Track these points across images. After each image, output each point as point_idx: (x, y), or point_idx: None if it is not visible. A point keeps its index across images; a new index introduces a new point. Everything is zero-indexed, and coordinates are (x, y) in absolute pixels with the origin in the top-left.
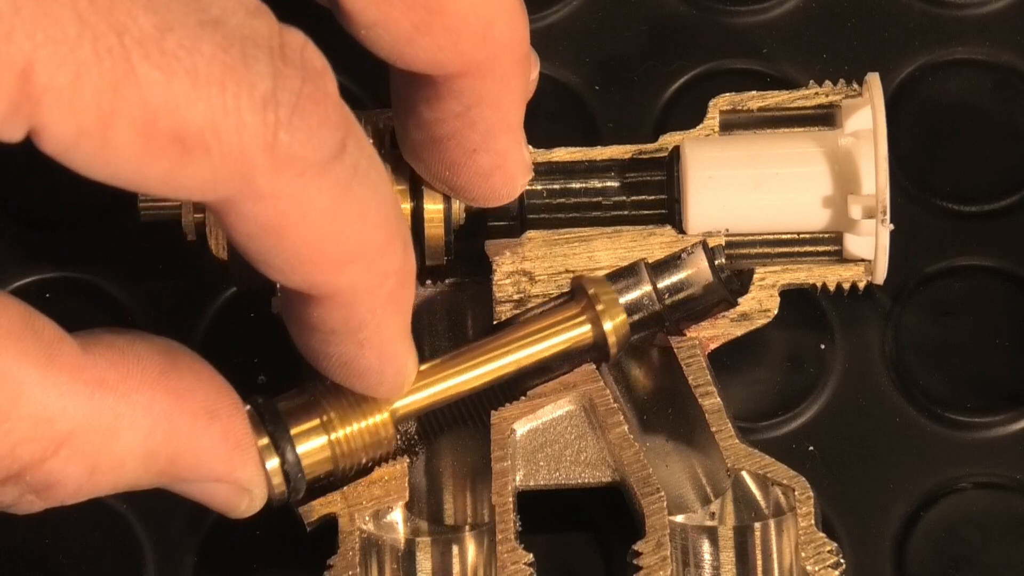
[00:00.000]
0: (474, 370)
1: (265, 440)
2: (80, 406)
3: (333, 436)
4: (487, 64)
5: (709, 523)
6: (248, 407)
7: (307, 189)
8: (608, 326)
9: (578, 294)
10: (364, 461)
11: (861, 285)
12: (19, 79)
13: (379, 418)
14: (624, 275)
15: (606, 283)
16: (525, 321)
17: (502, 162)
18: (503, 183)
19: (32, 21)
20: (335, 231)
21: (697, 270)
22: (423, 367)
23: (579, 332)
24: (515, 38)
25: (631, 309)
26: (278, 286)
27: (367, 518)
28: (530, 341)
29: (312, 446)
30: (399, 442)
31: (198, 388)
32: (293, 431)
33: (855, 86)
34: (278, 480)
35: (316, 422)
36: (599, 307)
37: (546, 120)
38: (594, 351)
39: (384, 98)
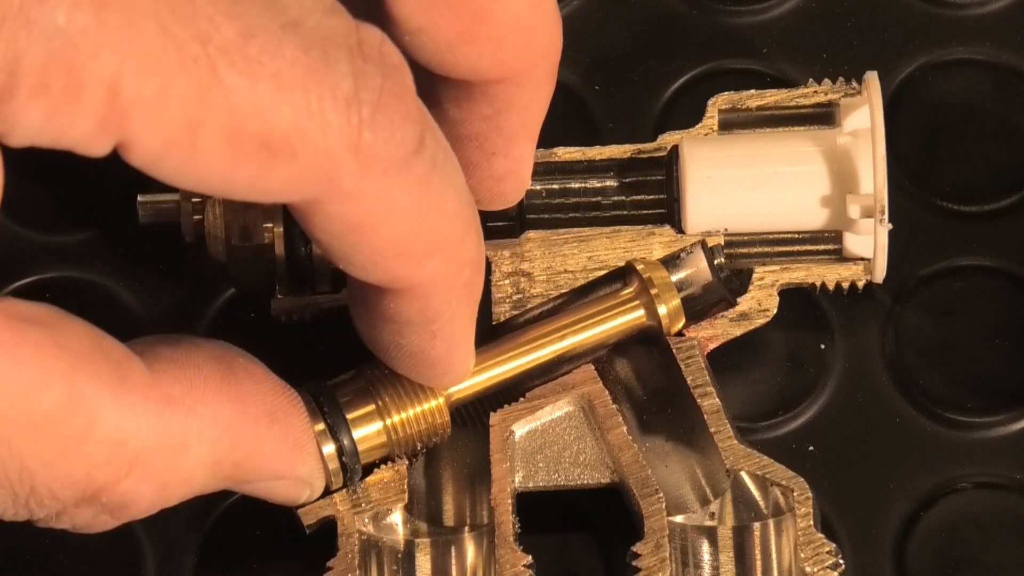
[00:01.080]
0: (527, 355)
1: (321, 426)
2: (151, 425)
3: (388, 422)
4: (525, 72)
5: (708, 524)
6: (305, 393)
7: (391, 186)
8: (663, 310)
9: (629, 277)
10: (419, 447)
11: (861, 284)
12: (107, 95)
13: (434, 403)
14: (624, 274)
15: (660, 267)
16: (577, 306)
17: (517, 167)
18: (512, 188)
19: (117, 35)
20: (418, 225)
21: (696, 270)
22: (478, 352)
23: (633, 316)
24: (553, 48)
25: None
26: (277, 287)
27: (366, 520)
28: (584, 326)
29: (368, 431)
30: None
31: (257, 392)
32: (349, 416)
33: (854, 85)
34: (334, 466)
35: (371, 407)
36: (653, 291)
37: (546, 120)
38: (646, 334)
39: None
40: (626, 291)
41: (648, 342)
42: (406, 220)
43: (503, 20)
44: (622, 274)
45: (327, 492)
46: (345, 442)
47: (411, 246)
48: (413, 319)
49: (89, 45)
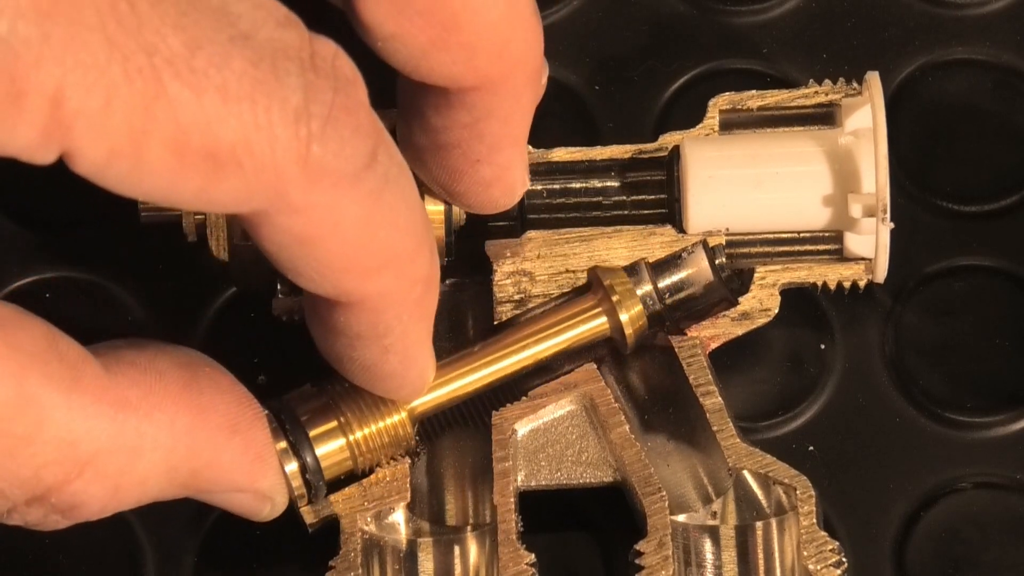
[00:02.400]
0: (490, 366)
1: (283, 444)
2: (104, 428)
3: (351, 437)
4: (501, 80)
5: (711, 522)
6: (266, 411)
7: (340, 200)
8: (624, 317)
9: (594, 285)
10: (383, 461)
11: (862, 284)
12: (50, 105)
13: (397, 418)
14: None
15: (622, 274)
16: (540, 315)
17: (503, 174)
18: (502, 194)
19: (61, 46)
20: (367, 239)
21: (697, 269)
22: (440, 364)
23: (595, 324)
24: (531, 55)
25: None
26: (278, 287)
27: (369, 519)
28: (547, 335)
29: (331, 448)
30: (417, 440)
31: (219, 402)
32: (312, 433)
33: (855, 85)
34: (298, 483)
35: (334, 424)
36: (615, 298)
37: (546, 120)
38: (611, 343)
39: (387, 97)
40: (588, 299)
41: (647, 341)
42: (355, 233)
43: (476, 28)
44: (587, 283)
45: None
46: (308, 459)
47: (361, 260)
48: (364, 333)
49: (31, 55)
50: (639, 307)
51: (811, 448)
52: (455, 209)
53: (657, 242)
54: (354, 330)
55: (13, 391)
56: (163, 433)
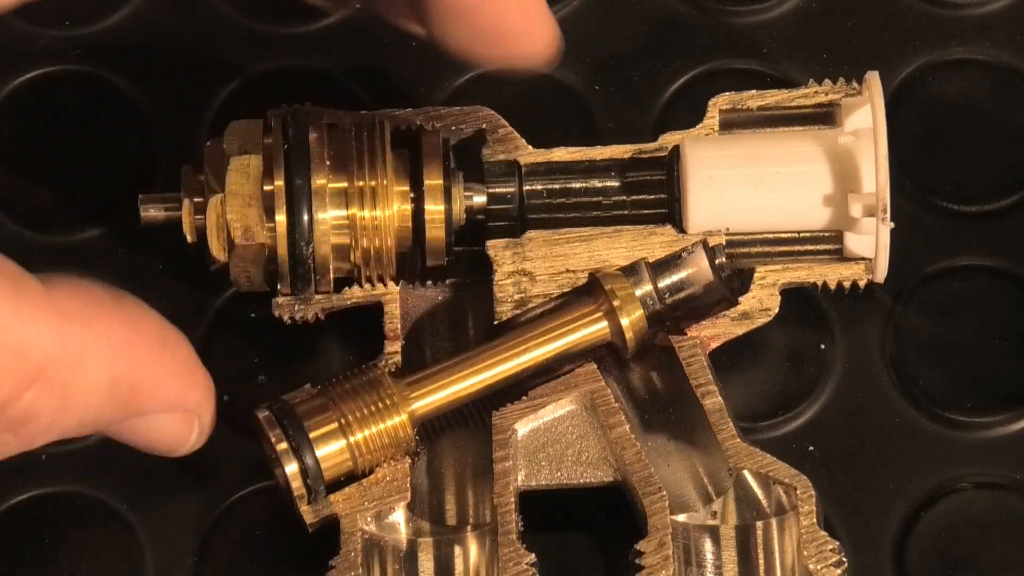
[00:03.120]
0: (490, 370)
1: (284, 445)
2: (50, 337)
3: (352, 439)
4: None
5: (711, 522)
6: (266, 411)
7: None
8: (625, 321)
9: (595, 289)
10: (383, 462)
11: (862, 283)
12: None
13: (398, 420)
14: (625, 275)
15: (622, 278)
16: (541, 317)
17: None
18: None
19: None
20: None
21: (698, 269)
22: (440, 367)
23: (596, 328)
24: None
25: None
26: (278, 287)
27: (369, 519)
28: (549, 338)
29: (331, 449)
30: (417, 442)
31: (147, 318)
32: (312, 435)
33: (855, 85)
34: (297, 484)
35: (334, 425)
36: (616, 302)
37: (546, 120)
38: (612, 346)
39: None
40: (589, 303)
41: (648, 341)
42: None
43: None
44: (588, 287)
45: (286, 507)
46: (307, 459)
47: None
48: None
49: None
50: (640, 311)
51: (811, 448)
52: (455, 209)
53: (657, 242)
54: None
55: None
56: (102, 344)
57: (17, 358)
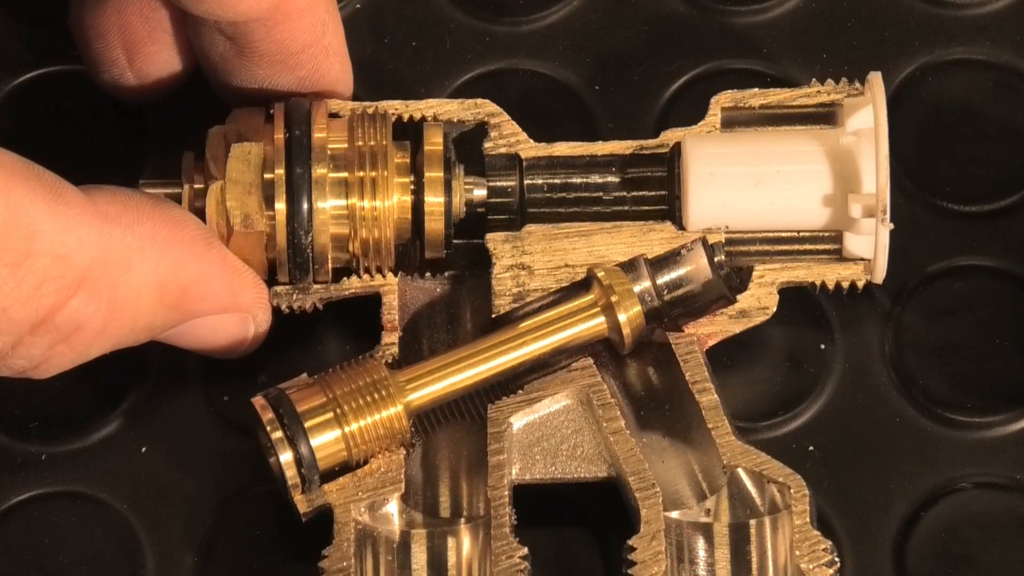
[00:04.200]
0: (487, 363)
1: (279, 434)
2: (93, 240)
3: (347, 429)
4: None
5: (704, 519)
6: (261, 400)
7: None
8: (623, 317)
9: (593, 284)
10: (378, 453)
11: (860, 284)
12: None
13: (393, 411)
14: (623, 271)
15: (621, 274)
16: (539, 311)
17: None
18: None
19: None
20: None
21: (696, 267)
22: (438, 359)
23: (593, 324)
24: None
25: None
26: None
27: (362, 509)
28: (546, 332)
29: (326, 439)
30: (412, 434)
31: (190, 220)
32: (307, 424)
33: (857, 85)
34: (292, 473)
35: (330, 415)
36: (614, 298)
37: (546, 120)
38: (609, 342)
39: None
40: (587, 298)
41: (645, 338)
42: None
43: None
44: (585, 282)
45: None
46: (302, 448)
47: None
48: (307, 39)
49: None
50: (637, 308)
51: (811, 448)
52: (455, 202)
53: (657, 238)
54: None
55: (2, 204)
56: (147, 245)
57: (60, 263)
